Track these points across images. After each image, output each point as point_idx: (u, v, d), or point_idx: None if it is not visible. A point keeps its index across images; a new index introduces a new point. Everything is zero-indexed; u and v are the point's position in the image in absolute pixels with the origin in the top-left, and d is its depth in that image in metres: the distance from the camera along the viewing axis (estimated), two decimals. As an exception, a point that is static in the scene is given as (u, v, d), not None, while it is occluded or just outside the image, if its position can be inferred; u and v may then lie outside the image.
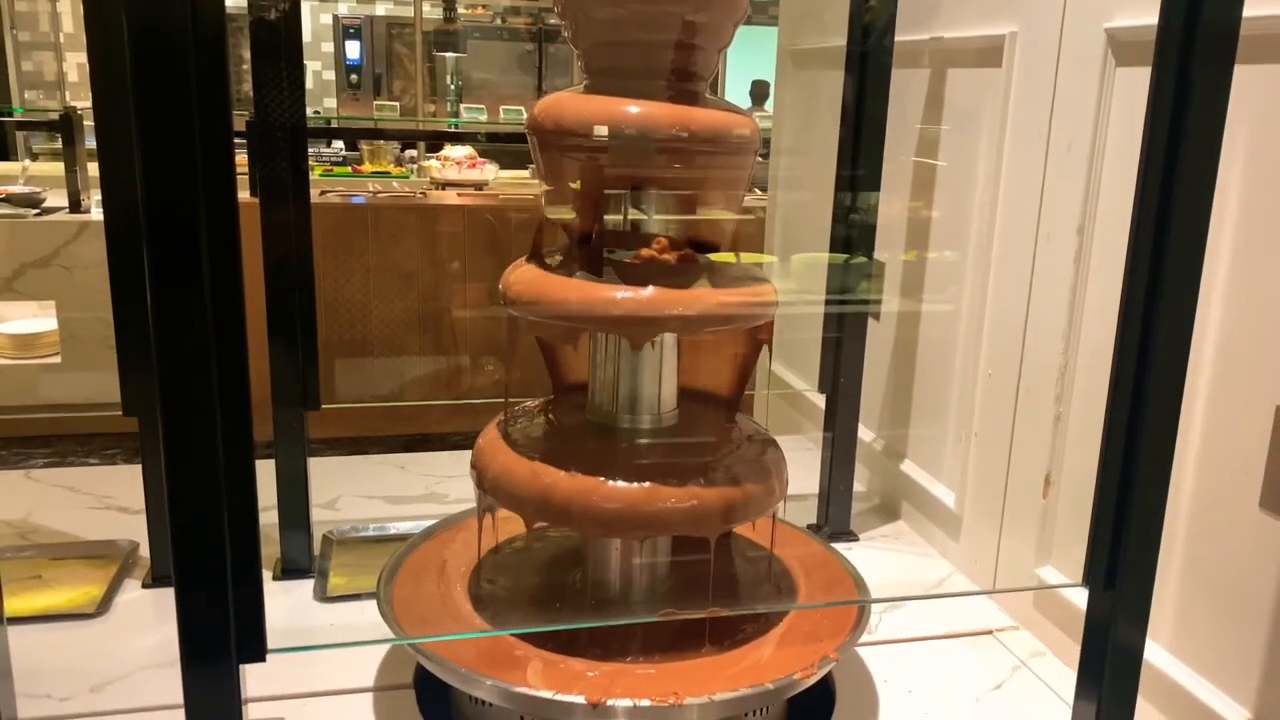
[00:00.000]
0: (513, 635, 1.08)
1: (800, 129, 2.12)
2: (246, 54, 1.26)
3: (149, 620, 1.30)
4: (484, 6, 5.81)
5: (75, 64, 5.39)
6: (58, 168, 3.58)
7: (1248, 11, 0.84)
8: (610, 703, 0.97)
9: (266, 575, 1.36)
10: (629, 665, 1.05)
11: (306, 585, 1.38)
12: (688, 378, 1.20)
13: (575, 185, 1.08)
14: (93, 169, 3.22)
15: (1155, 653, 1.16)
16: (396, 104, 5.01)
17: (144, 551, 1.43)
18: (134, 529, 1.46)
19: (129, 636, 1.26)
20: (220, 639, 0.78)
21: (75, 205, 3.42)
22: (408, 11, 5.44)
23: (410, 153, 4.80)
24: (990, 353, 1.46)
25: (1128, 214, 0.90)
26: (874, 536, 1.64)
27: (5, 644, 0.86)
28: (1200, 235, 0.88)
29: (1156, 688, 1.14)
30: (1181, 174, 0.86)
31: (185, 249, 0.71)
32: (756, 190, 2.93)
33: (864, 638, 1.28)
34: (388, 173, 4.39)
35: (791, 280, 2.05)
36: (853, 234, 1.55)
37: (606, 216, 1.10)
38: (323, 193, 3.57)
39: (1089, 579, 0.96)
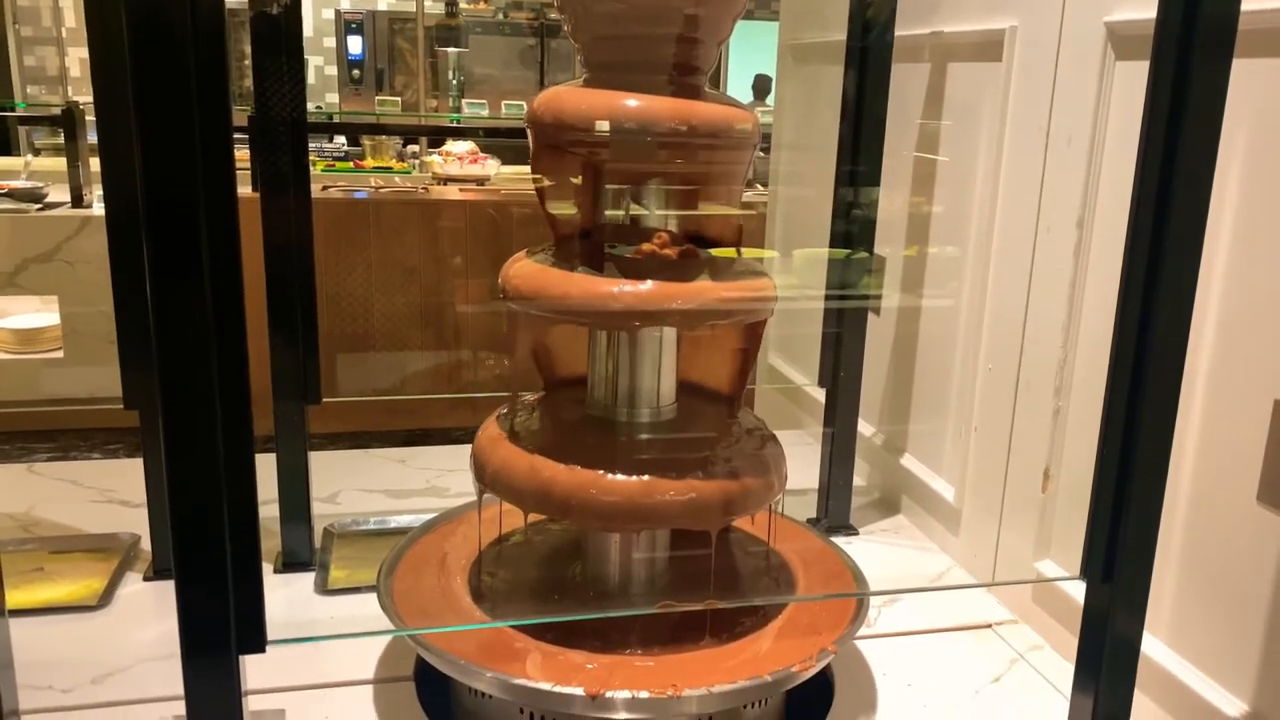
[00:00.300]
0: (512, 627, 1.09)
1: (801, 124, 2.12)
2: (249, 49, 1.26)
3: (150, 612, 1.31)
4: (486, 1, 5.81)
5: (77, 59, 5.40)
6: (60, 163, 3.59)
7: (1247, 5, 0.84)
8: (609, 694, 0.97)
9: (267, 568, 1.37)
10: (628, 657, 1.05)
11: (307, 578, 1.39)
12: (687, 372, 1.20)
13: (576, 180, 1.08)
14: (95, 164, 3.23)
15: (1153, 646, 1.16)
16: (398, 99, 5.00)
17: (145, 545, 1.43)
18: (135, 522, 1.47)
19: (130, 629, 1.27)
20: (220, 630, 0.79)
21: (77, 200, 3.43)
22: (410, 6, 5.44)
23: (412, 148, 4.80)
24: (990, 347, 1.46)
25: (1127, 208, 0.90)
26: (874, 531, 1.64)
27: (7, 636, 0.87)
28: (1198, 229, 0.88)
29: (1154, 681, 1.15)
30: (1180, 167, 0.86)
31: (185, 243, 0.71)
32: (758, 185, 2.94)
33: (863, 631, 1.28)
34: (390, 168, 4.40)
35: (793, 275, 2.05)
36: (853, 229, 1.55)
37: (608, 211, 1.11)
38: (325, 188, 3.58)
39: (1087, 572, 0.97)
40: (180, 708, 0.80)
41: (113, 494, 1.64)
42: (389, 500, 1.66)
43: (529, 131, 1.08)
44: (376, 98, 4.99)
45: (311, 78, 5.97)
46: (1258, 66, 1.02)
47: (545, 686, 0.99)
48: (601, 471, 1.03)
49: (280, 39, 1.25)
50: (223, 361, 0.74)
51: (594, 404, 1.15)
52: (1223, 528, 1.09)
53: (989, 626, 1.37)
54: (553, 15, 5.61)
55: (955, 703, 1.20)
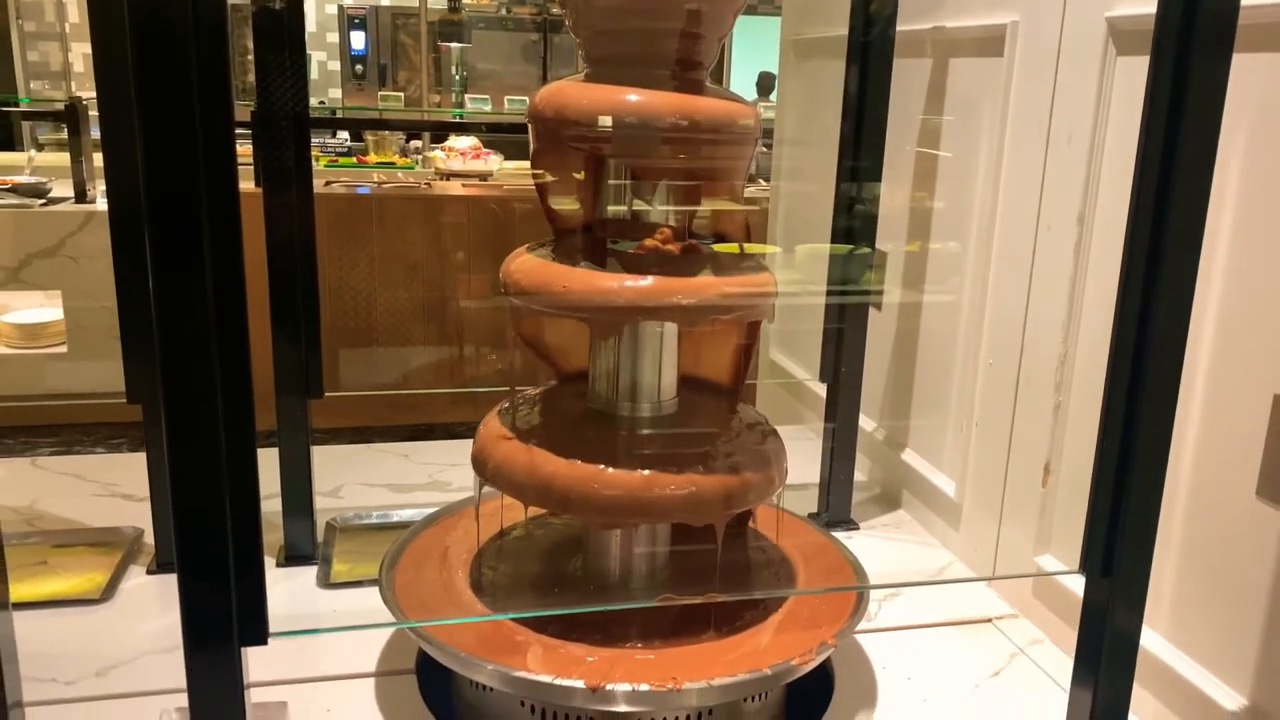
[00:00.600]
0: (513, 621, 1.09)
1: (803, 119, 2.12)
2: (251, 44, 1.26)
3: (153, 605, 1.32)
4: (488, -4, 5.81)
5: (81, 54, 5.40)
6: (63, 158, 3.59)
7: (1247, 0, 0.84)
8: (609, 687, 0.98)
9: (270, 562, 1.38)
10: (628, 650, 1.05)
11: (310, 572, 1.39)
12: (687, 366, 1.20)
13: (579, 175, 1.08)
14: (98, 159, 3.23)
15: (1152, 640, 1.16)
16: (401, 94, 5.01)
17: (148, 538, 1.44)
18: (139, 516, 1.48)
19: (133, 622, 1.28)
20: (222, 623, 0.79)
21: (81, 195, 3.44)
22: (413, 1, 5.44)
23: (415, 143, 4.80)
24: (991, 342, 1.46)
25: (1128, 204, 0.90)
26: (875, 525, 1.64)
27: (11, 629, 0.87)
28: (1198, 224, 0.88)
29: (1154, 675, 1.15)
30: (1180, 162, 0.86)
31: (187, 238, 0.71)
32: (760, 181, 2.94)
33: (863, 625, 1.29)
34: (392, 163, 4.40)
35: (795, 271, 2.05)
36: (854, 224, 1.55)
37: (610, 207, 1.11)
38: (328, 183, 3.58)
39: (1086, 566, 0.97)
40: (183, 700, 0.80)
41: (116, 488, 1.64)
42: (391, 494, 1.67)
43: (530, 127, 1.09)
44: (379, 93, 5.00)
45: (314, 73, 5.97)
46: (1258, 62, 1.02)
47: (546, 679, 0.99)
48: (602, 466, 1.03)
49: (283, 34, 1.25)
50: (225, 356, 0.74)
51: (595, 398, 1.15)
52: (1222, 522, 1.09)
53: (989, 621, 1.37)
54: (555, 10, 5.60)
55: (955, 697, 1.21)
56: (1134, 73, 1.18)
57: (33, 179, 3.56)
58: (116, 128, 1.30)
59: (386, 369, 3.54)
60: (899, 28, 1.49)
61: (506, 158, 4.16)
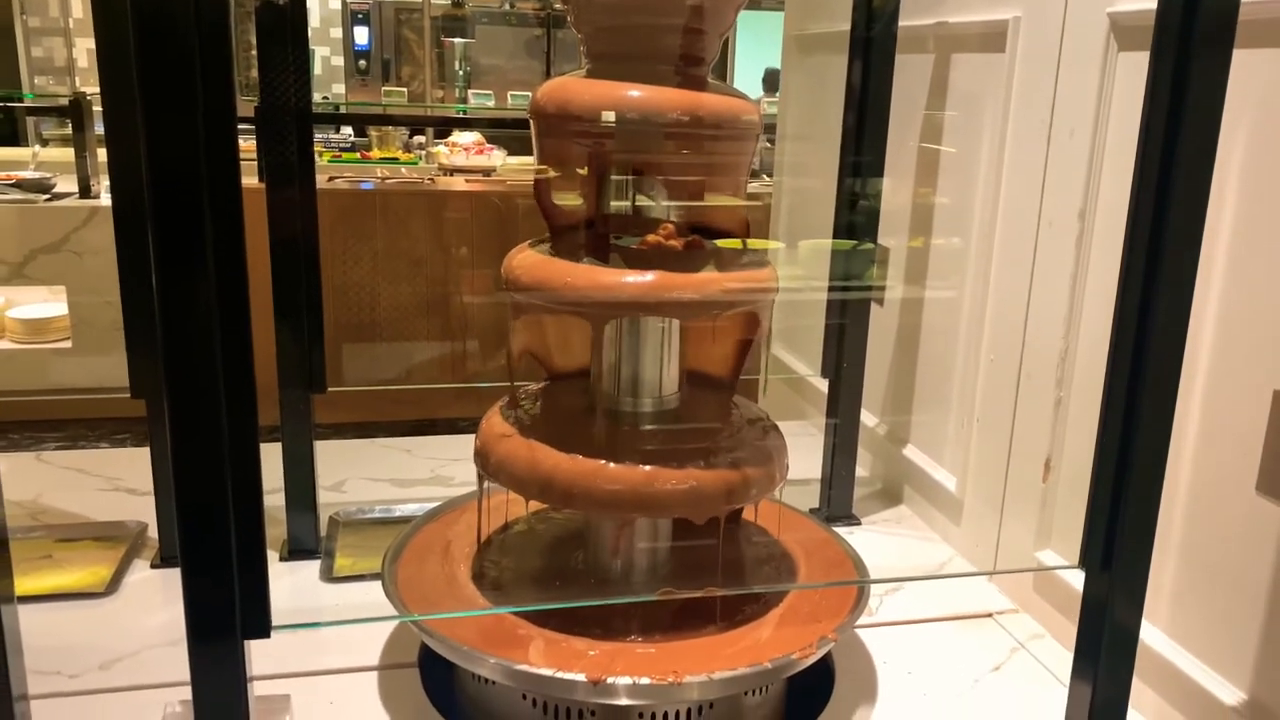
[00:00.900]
0: (515, 614, 1.10)
1: (806, 115, 2.12)
2: (254, 39, 1.27)
3: (157, 599, 1.32)
4: (492, -9, 5.80)
5: (85, 49, 5.40)
6: (68, 153, 3.60)
7: (1248, -5, 0.84)
8: (611, 680, 0.98)
9: (273, 556, 1.38)
10: (630, 644, 1.06)
11: (313, 566, 1.40)
12: (688, 361, 1.21)
13: (582, 171, 1.08)
14: (102, 155, 3.24)
15: (1152, 635, 1.17)
16: (405, 90, 5.01)
17: (152, 532, 1.45)
18: (142, 510, 1.48)
19: (137, 615, 1.28)
20: (225, 616, 0.80)
21: (85, 191, 3.44)
22: (416, -3, 5.44)
23: (418, 139, 4.81)
24: (992, 338, 1.46)
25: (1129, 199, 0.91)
26: (876, 521, 1.65)
27: (16, 622, 0.88)
28: (1198, 219, 0.88)
29: (1153, 669, 1.15)
30: (1180, 158, 0.87)
31: (190, 234, 0.72)
32: (764, 176, 2.93)
33: (864, 620, 1.29)
34: (396, 159, 4.40)
35: (798, 266, 2.05)
36: (857, 220, 1.55)
37: (613, 202, 1.11)
38: (331, 179, 3.59)
39: (1085, 560, 0.97)
40: (187, 693, 0.80)
41: (120, 482, 1.65)
42: (394, 489, 1.67)
43: (532, 123, 1.09)
44: (383, 88, 5.00)
45: (317, 68, 5.97)
46: (1259, 57, 1.02)
47: (547, 672, 1.00)
48: (604, 461, 1.03)
49: (286, 29, 1.25)
50: (228, 351, 0.75)
51: (597, 394, 1.15)
52: (1222, 517, 1.10)
53: (990, 616, 1.38)
54: (558, 5, 5.60)
55: (955, 691, 1.21)
56: (1135, 68, 1.18)
57: (37, 174, 3.56)
58: (120, 123, 1.30)
59: (389, 364, 3.54)
60: (901, 23, 1.49)
61: (510, 153, 4.16)
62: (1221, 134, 0.86)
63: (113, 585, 1.34)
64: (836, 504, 1.61)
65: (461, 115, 4.73)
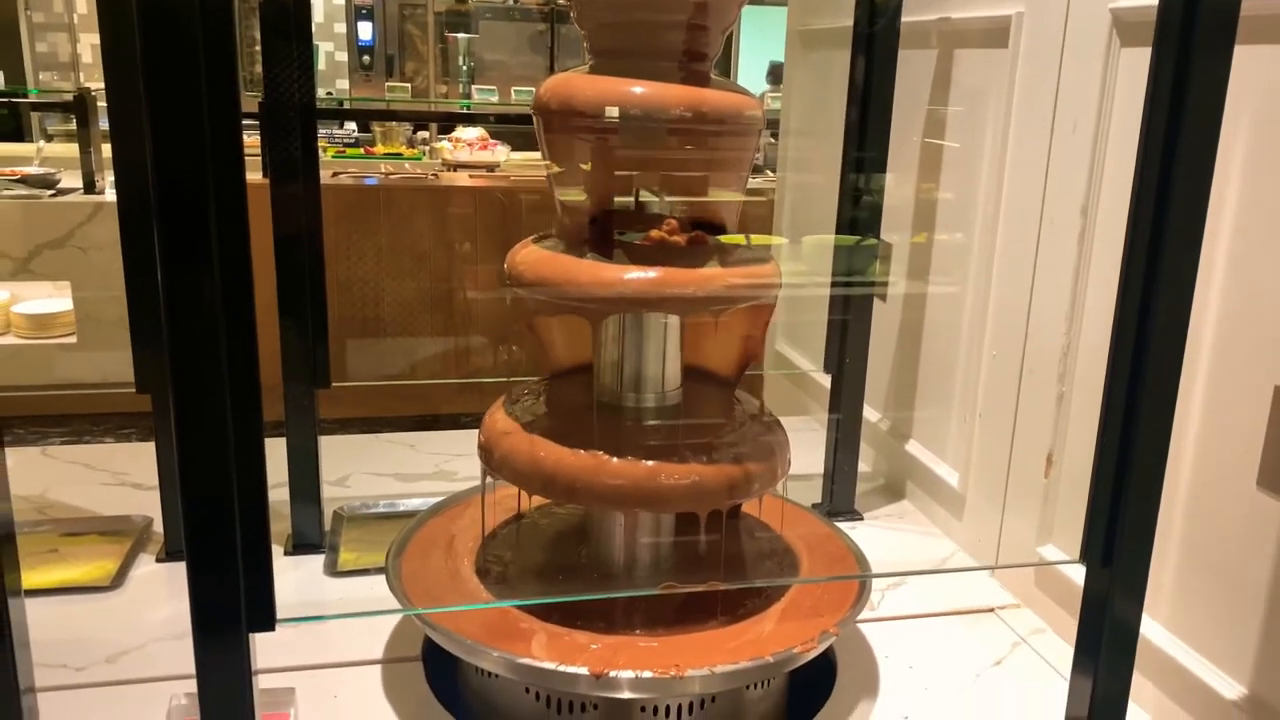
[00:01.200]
0: (518, 608, 1.10)
1: (809, 110, 2.12)
2: (259, 34, 1.27)
3: (162, 593, 1.33)
4: (495, -14, 5.80)
5: (89, 45, 5.40)
6: (72, 149, 3.60)
7: (1250, -9, 0.84)
8: (613, 674, 0.99)
9: (278, 550, 1.39)
10: (632, 638, 1.06)
11: (317, 560, 1.40)
12: (691, 357, 1.21)
13: (586, 166, 1.09)
14: (106, 150, 3.24)
15: (1153, 630, 1.17)
16: (408, 85, 5.00)
17: (157, 527, 1.45)
18: (148, 505, 1.49)
19: (143, 609, 1.29)
20: (230, 610, 0.80)
21: (90, 186, 3.44)
22: (420, -8, 5.43)
23: (422, 134, 4.80)
24: (994, 333, 1.46)
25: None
26: (878, 516, 1.65)
27: (23, 615, 0.88)
28: (1199, 216, 0.88)
29: (1154, 664, 1.16)
30: (1181, 154, 0.87)
31: (195, 229, 0.72)
32: (768, 172, 2.93)
33: (866, 615, 1.29)
34: (400, 154, 4.40)
35: (801, 262, 2.05)
36: (860, 215, 1.55)
37: (616, 198, 1.11)
38: (335, 174, 3.59)
39: (1086, 555, 0.97)
40: (192, 685, 0.81)
41: (125, 477, 1.66)
42: (398, 484, 1.68)
43: (535, 118, 1.09)
44: (386, 84, 4.99)
45: (321, 63, 5.96)
46: (1261, 53, 1.02)
47: (550, 666, 1.00)
48: (606, 456, 1.04)
49: (289, 24, 1.26)
50: (233, 346, 0.75)
51: (600, 389, 1.16)
52: (1223, 513, 1.10)
53: (991, 610, 1.38)
54: (562, 1, 5.59)
55: (957, 685, 1.22)
56: (1138, 64, 1.17)
57: (42, 170, 3.57)
58: (125, 119, 1.31)
59: (393, 359, 3.55)
60: (904, 18, 1.49)
61: (514, 149, 4.16)
62: (1223, 130, 0.86)
63: (118, 579, 1.35)
64: (839, 499, 1.61)
65: (465, 111, 4.73)
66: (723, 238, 1.14)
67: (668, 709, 1.06)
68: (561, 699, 1.06)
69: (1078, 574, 0.99)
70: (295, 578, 1.36)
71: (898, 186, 1.65)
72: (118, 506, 1.54)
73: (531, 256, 1.07)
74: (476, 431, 1.15)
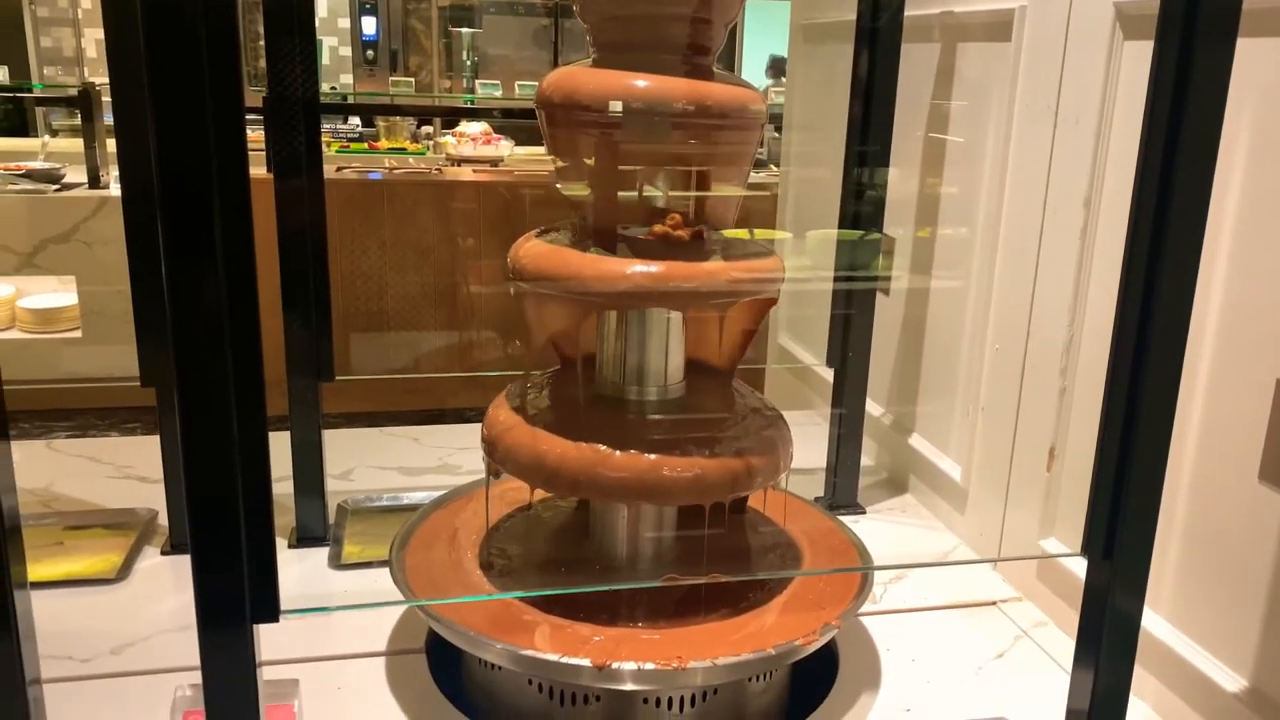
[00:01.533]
0: (521, 601, 1.10)
1: (813, 104, 2.12)
2: (262, 29, 1.27)
3: (167, 585, 1.34)
4: (499, -19, 5.79)
5: (94, 40, 5.41)
6: (77, 144, 3.61)
7: (1252, -15, 0.84)
8: (616, 666, 0.99)
9: (282, 544, 1.40)
10: (634, 630, 1.07)
11: (321, 553, 1.41)
12: (694, 351, 1.21)
13: (589, 160, 1.09)
14: (111, 145, 3.25)
15: (1155, 623, 1.17)
16: (412, 80, 5.01)
17: (162, 520, 1.46)
18: (153, 498, 1.49)
19: (148, 601, 1.30)
20: (235, 602, 0.80)
21: (94, 181, 3.45)
22: (423, -14, 5.43)
23: (426, 129, 4.81)
24: (997, 327, 1.46)
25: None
26: (881, 510, 1.65)
27: (29, 608, 0.89)
28: (1201, 208, 0.88)
29: (1156, 657, 1.16)
30: (1183, 147, 0.87)
31: (199, 224, 0.72)
32: (772, 166, 2.93)
33: (868, 608, 1.30)
34: (404, 149, 4.41)
35: (805, 257, 2.05)
36: (863, 210, 1.55)
37: (620, 192, 1.11)
38: (339, 169, 3.59)
39: (1088, 549, 0.98)
40: (197, 677, 0.81)
41: (130, 470, 1.66)
42: (402, 477, 1.69)
43: (538, 113, 1.09)
44: (390, 78, 5.00)
45: (325, 58, 5.96)
46: (1264, 46, 1.02)
47: (553, 658, 1.01)
48: (609, 449, 1.04)
49: (293, 19, 1.26)
50: (237, 340, 0.75)
51: (602, 382, 1.16)
52: (1225, 506, 1.10)
53: (993, 604, 1.38)
54: (566, -5, 5.58)
55: (959, 678, 1.22)
56: (1141, 57, 1.18)
57: (46, 165, 3.57)
58: (129, 114, 1.31)
59: (397, 353, 3.55)
60: (907, 12, 1.49)
61: (517, 143, 4.16)
62: (1225, 123, 0.86)
63: (124, 571, 1.36)
64: (841, 493, 1.61)
65: (469, 105, 4.73)
66: (726, 232, 1.14)
67: (670, 701, 1.06)
68: (564, 690, 1.06)
69: (1079, 567, 0.99)
70: (299, 570, 1.37)
71: (901, 181, 1.65)
72: (123, 499, 1.54)
73: (535, 251, 1.07)
74: (480, 425, 1.16)
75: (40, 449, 1.79)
